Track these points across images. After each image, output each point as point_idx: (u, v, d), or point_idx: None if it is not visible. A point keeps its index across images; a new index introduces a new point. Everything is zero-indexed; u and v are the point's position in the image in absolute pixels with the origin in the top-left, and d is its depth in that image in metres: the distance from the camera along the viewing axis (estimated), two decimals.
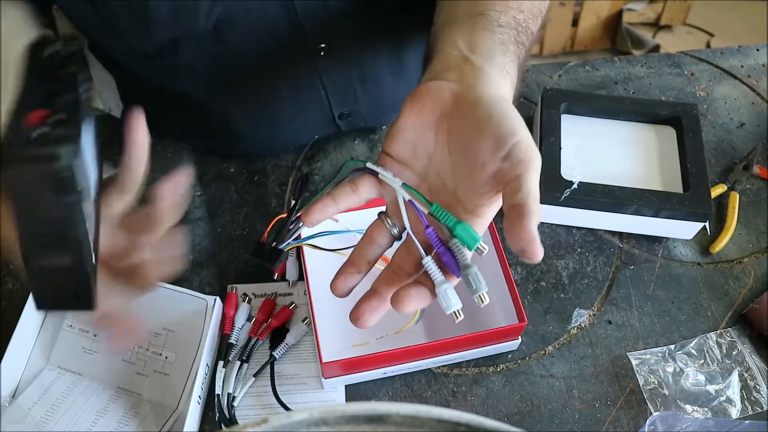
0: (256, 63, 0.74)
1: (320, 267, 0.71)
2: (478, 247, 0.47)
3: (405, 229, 0.50)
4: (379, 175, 0.50)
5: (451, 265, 0.48)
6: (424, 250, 0.49)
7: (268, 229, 0.69)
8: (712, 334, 0.73)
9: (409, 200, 0.49)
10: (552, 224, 0.81)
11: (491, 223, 0.71)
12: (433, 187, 0.51)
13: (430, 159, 0.51)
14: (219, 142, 0.87)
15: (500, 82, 0.51)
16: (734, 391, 0.69)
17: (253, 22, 0.69)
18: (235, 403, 0.67)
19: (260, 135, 0.84)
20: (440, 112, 0.50)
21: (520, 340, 0.71)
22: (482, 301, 0.47)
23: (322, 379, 0.67)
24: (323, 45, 0.74)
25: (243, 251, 0.78)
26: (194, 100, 0.78)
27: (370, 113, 0.86)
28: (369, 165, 0.51)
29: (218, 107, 0.79)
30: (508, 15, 0.57)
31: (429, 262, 0.48)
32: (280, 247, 0.64)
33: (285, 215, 0.71)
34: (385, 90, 0.83)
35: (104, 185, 0.47)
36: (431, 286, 0.48)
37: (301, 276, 0.74)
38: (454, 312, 0.48)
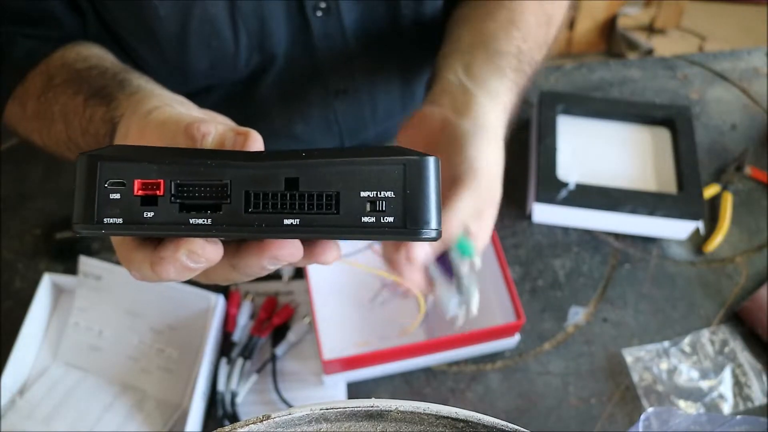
0: (276, 104, 0.76)
1: (321, 266, 0.73)
2: (472, 259, 0.50)
3: None
4: None
5: (447, 270, 0.50)
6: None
7: None
8: (705, 332, 0.74)
9: None
10: (549, 224, 0.82)
11: None
12: None
13: None
14: None
15: (489, 109, 0.54)
16: (726, 387, 0.70)
17: (281, 67, 0.71)
18: (237, 400, 0.68)
19: None
20: (429, 138, 0.53)
21: (517, 337, 0.72)
22: (469, 313, 0.49)
23: (323, 377, 0.68)
24: (341, 88, 0.76)
25: None
26: None
27: (377, 141, 0.88)
28: None
29: None
30: (511, 44, 0.60)
31: (432, 266, 0.50)
32: None
33: None
34: (395, 120, 0.85)
35: None
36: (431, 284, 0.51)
37: (299, 274, 0.76)
38: (454, 316, 0.50)
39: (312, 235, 0.30)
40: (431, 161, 0.29)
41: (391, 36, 0.72)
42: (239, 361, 0.69)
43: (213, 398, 0.68)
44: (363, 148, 0.32)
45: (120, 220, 0.29)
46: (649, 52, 2.25)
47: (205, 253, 0.33)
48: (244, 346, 0.71)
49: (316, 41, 0.70)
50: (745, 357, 0.72)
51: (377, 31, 0.71)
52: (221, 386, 0.68)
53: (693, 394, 0.70)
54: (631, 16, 2.32)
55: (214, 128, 0.37)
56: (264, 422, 0.33)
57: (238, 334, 0.71)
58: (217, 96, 0.74)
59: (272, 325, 0.72)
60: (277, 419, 0.33)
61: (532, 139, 0.87)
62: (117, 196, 0.29)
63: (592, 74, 0.99)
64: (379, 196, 0.29)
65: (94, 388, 0.68)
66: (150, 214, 0.29)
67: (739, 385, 0.71)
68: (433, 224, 0.29)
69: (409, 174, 0.29)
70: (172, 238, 0.33)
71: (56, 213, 0.82)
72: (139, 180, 0.29)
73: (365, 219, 0.29)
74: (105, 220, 0.29)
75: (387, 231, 0.29)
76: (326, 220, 0.29)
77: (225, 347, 0.71)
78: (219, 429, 0.33)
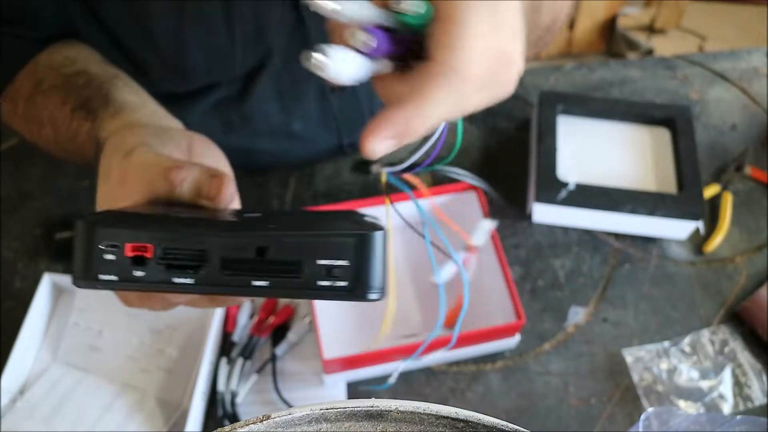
0: (274, 102, 0.76)
1: None
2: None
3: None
4: None
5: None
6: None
7: None
8: (705, 331, 0.74)
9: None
10: (549, 224, 0.82)
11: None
12: None
13: None
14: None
15: None
16: (727, 387, 0.70)
17: (277, 64, 0.72)
18: (237, 400, 0.68)
19: (269, 161, 0.85)
20: None
21: (518, 337, 0.72)
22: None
23: (323, 376, 0.68)
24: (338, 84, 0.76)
25: None
26: (211, 137, 0.75)
27: None
28: None
29: (232, 141, 0.80)
30: None
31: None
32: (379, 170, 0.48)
33: None
34: None
35: None
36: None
37: None
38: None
39: (277, 294, 0.34)
40: (378, 236, 0.34)
41: None
42: (239, 361, 0.69)
43: (213, 398, 0.68)
44: (325, 214, 0.39)
45: (114, 278, 0.34)
46: (649, 52, 2.25)
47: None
48: (244, 346, 0.71)
49: (310, 37, 0.70)
50: (745, 357, 0.72)
51: None
52: (221, 386, 0.68)
53: (693, 394, 0.70)
54: (631, 16, 2.32)
55: (190, 174, 0.40)
56: (264, 422, 0.33)
57: (238, 334, 0.71)
58: (216, 95, 0.74)
59: (272, 325, 0.72)
60: (277, 419, 0.33)
61: (532, 139, 0.87)
62: (111, 257, 0.34)
63: (592, 74, 0.99)
64: (334, 264, 0.33)
65: (93, 388, 0.68)
66: (140, 273, 0.34)
67: (739, 385, 0.71)
68: (377, 287, 0.34)
69: (359, 245, 0.33)
70: None
71: (56, 213, 0.82)
72: (130, 244, 0.33)
73: (321, 283, 0.33)
74: (101, 277, 0.34)
75: (339, 293, 0.34)
76: (289, 283, 0.34)
77: (225, 347, 0.71)
78: (219, 429, 0.33)
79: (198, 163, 0.44)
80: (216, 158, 0.50)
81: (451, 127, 0.43)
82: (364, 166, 0.47)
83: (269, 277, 0.34)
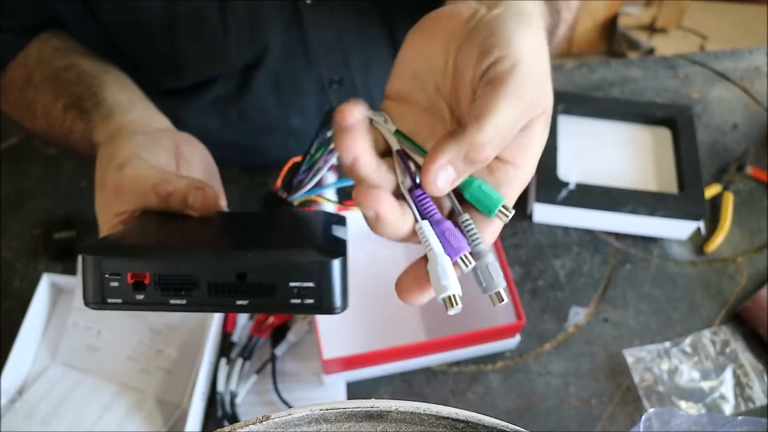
0: (271, 97, 0.76)
1: None
2: (500, 211, 0.40)
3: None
4: (372, 122, 0.40)
5: (453, 240, 0.38)
6: (420, 213, 0.38)
7: (282, 174, 0.53)
8: (707, 332, 0.74)
9: (399, 150, 0.39)
10: (549, 224, 0.82)
11: None
12: (445, 126, 0.41)
13: (438, 90, 0.41)
14: (225, 162, 0.87)
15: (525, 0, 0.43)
16: (728, 387, 0.70)
17: (274, 59, 0.72)
18: (237, 400, 0.68)
19: (268, 158, 0.85)
20: (451, 34, 0.40)
21: (518, 338, 0.72)
22: (498, 301, 0.38)
23: (323, 377, 0.68)
24: (335, 78, 0.76)
25: None
26: (209, 134, 0.67)
27: None
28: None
29: (230, 138, 0.80)
30: None
31: (425, 227, 0.38)
32: (291, 199, 0.52)
33: (299, 158, 0.53)
34: None
35: None
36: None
37: None
38: (449, 299, 0.36)
39: (256, 311, 0.39)
40: (336, 263, 0.39)
41: (383, 22, 0.72)
42: (239, 362, 0.69)
43: (212, 398, 0.68)
44: (298, 220, 0.46)
45: (119, 300, 0.39)
46: (650, 51, 2.24)
47: None
48: (244, 346, 0.70)
49: (308, 31, 0.70)
50: (746, 357, 0.72)
51: (369, 18, 0.71)
52: (221, 386, 0.68)
53: (694, 395, 0.70)
54: (632, 16, 2.32)
55: (177, 187, 0.46)
56: (264, 423, 0.33)
57: (238, 334, 0.71)
58: (213, 92, 0.74)
59: (272, 325, 0.72)
60: (276, 420, 0.34)
61: None
62: (116, 284, 0.39)
63: (593, 74, 0.99)
64: (302, 285, 0.39)
65: (93, 388, 0.67)
66: (140, 296, 0.39)
67: (740, 386, 0.71)
68: (339, 303, 0.39)
69: (322, 271, 0.38)
70: None
71: (56, 213, 0.81)
72: (131, 272, 0.39)
73: (293, 301, 0.39)
74: (109, 300, 0.39)
75: (307, 309, 0.39)
76: (266, 301, 0.39)
77: (224, 347, 0.70)
78: (218, 430, 0.33)
79: (185, 176, 0.49)
80: (201, 157, 0.54)
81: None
82: (275, 199, 0.52)
83: (249, 297, 0.39)
